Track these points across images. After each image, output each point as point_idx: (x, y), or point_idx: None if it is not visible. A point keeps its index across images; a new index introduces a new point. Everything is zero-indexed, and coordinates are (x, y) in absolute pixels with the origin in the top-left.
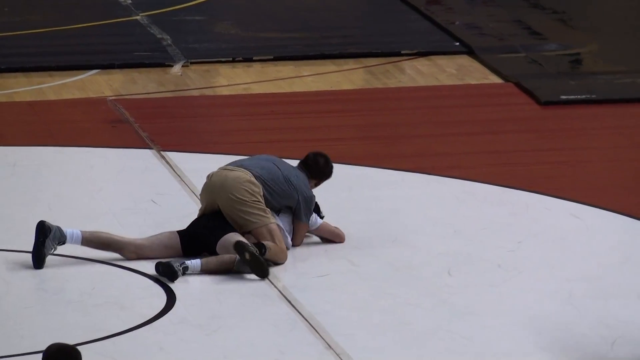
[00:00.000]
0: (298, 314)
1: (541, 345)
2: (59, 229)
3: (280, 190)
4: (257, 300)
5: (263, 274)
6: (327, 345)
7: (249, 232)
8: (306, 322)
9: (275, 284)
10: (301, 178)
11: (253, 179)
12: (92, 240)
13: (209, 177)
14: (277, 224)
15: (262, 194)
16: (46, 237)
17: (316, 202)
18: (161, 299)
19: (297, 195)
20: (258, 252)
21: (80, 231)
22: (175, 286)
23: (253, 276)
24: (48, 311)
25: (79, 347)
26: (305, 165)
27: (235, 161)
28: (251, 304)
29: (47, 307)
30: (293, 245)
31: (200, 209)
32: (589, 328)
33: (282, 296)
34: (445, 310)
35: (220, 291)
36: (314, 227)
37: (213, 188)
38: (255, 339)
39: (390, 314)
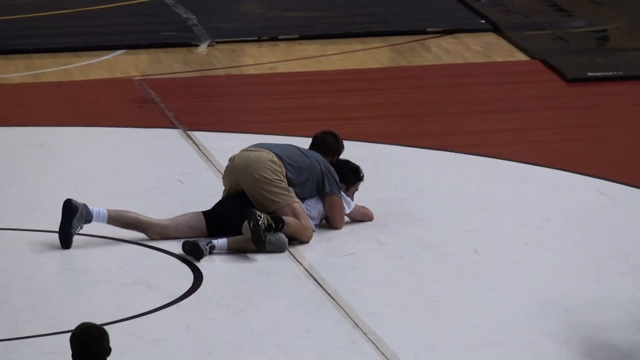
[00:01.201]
0: (325, 292)
1: (569, 322)
2: (85, 206)
3: (301, 164)
4: (284, 279)
5: (258, 246)
6: (354, 324)
7: (273, 212)
8: (333, 300)
9: (301, 262)
10: (317, 154)
11: (275, 158)
12: (118, 219)
13: (231, 159)
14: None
15: (284, 173)
16: (73, 217)
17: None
18: (188, 278)
19: (318, 165)
20: (265, 224)
21: (107, 210)
22: (202, 265)
23: (279, 255)
24: (76, 291)
25: (106, 327)
26: (315, 146)
27: (256, 144)
28: (278, 283)
29: (75, 286)
30: (335, 228)
31: (223, 191)
32: (617, 306)
33: (308, 275)
34: (472, 288)
35: (247, 270)
36: (349, 210)
37: (236, 169)
38: (282, 318)
39: (417, 292)
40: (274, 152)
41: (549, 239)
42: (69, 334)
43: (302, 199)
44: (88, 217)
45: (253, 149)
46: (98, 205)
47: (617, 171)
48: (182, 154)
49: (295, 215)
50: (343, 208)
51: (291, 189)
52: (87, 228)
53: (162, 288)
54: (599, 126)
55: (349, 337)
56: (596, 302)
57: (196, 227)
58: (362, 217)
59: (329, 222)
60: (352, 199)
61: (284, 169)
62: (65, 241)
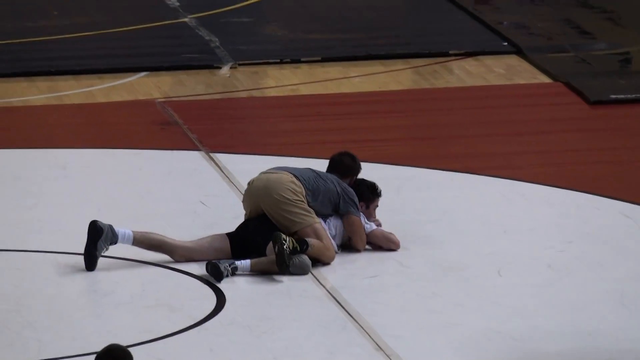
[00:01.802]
0: (347, 314)
1: (593, 346)
2: (110, 228)
3: (317, 187)
4: (306, 301)
5: (282, 270)
6: (376, 346)
7: (296, 233)
8: (355, 322)
9: (324, 284)
10: (334, 176)
11: (295, 179)
12: (143, 241)
13: (250, 183)
14: (322, 224)
15: (304, 194)
16: (98, 239)
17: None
18: (211, 300)
19: (334, 187)
20: (290, 248)
21: (132, 231)
22: (225, 287)
23: (302, 278)
24: (99, 313)
25: (129, 349)
26: (332, 168)
27: (275, 167)
28: (300, 305)
29: (98, 309)
30: (356, 249)
31: (245, 215)
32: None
33: (331, 297)
34: (494, 311)
35: (270, 292)
36: (367, 231)
37: (256, 191)
38: (304, 340)
39: (439, 314)
40: (293, 174)
41: (572, 262)
42: (92, 356)
43: (323, 217)
44: (113, 239)
45: (272, 171)
46: (122, 227)
47: None
48: (204, 175)
49: (317, 235)
50: (362, 227)
51: (312, 210)
52: (110, 249)
53: (184, 310)
54: (622, 148)
55: None
56: (621, 326)
57: (221, 248)
58: (387, 243)
59: (351, 243)
60: (375, 216)
61: (303, 190)
62: (90, 263)
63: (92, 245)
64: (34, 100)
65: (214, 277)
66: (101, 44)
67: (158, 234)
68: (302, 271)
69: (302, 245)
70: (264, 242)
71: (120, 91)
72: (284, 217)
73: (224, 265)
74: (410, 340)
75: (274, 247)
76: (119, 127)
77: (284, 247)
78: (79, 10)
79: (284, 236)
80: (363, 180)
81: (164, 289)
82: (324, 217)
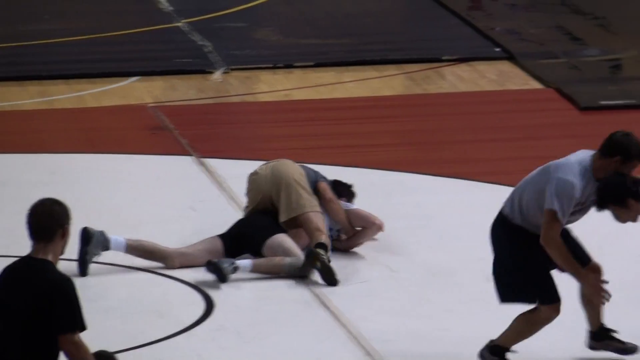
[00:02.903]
0: (337, 320)
1: (583, 352)
2: (102, 233)
3: (309, 173)
4: (296, 307)
5: (333, 282)
6: (365, 352)
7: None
8: (345, 328)
9: (313, 290)
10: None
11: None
12: (136, 248)
13: (255, 172)
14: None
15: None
16: (87, 244)
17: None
18: (199, 306)
19: (313, 171)
20: (329, 260)
21: (125, 239)
22: (214, 293)
23: (291, 282)
24: (87, 319)
25: (117, 355)
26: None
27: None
28: (289, 311)
29: (86, 314)
30: (338, 220)
31: (245, 209)
32: (633, 335)
33: (320, 303)
34: (484, 317)
35: (259, 298)
36: (348, 208)
37: (266, 177)
38: (293, 346)
39: (428, 320)
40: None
41: None
42: None
43: None
44: (105, 244)
45: (275, 160)
46: (112, 233)
47: None
48: (195, 181)
49: (317, 221)
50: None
51: (315, 197)
52: (102, 254)
53: (173, 316)
54: None
55: None
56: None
57: (214, 251)
58: (365, 222)
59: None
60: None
61: (306, 176)
62: (81, 269)
63: (83, 252)
64: (24, 105)
65: (217, 276)
66: (93, 48)
67: (151, 242)
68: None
69: (326, 250)
70: (262, 239)
71: (112, 96)
72: (292, 199)
73: (225, 265)
74: (399, 345)
75: (315, 265)
76: (110, 132)
77: (326, 260)
78: (70, 15)
79: (319, 251)
80: (339, 181)
81: (153, 294)
82: None
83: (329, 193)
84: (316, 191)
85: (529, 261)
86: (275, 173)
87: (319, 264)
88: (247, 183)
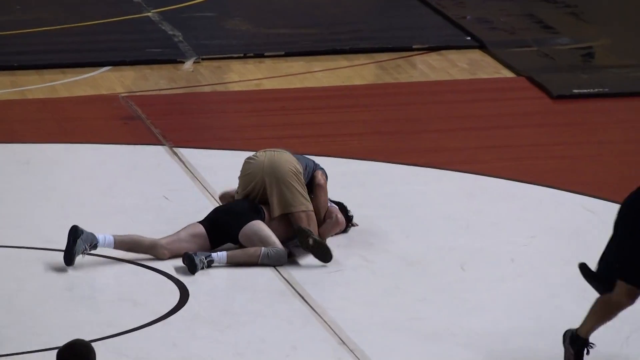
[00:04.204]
0: (311, 309)
1: (555, 340)
2: (91, 233)
3: (306, 162)
4: (270, 296)
5: (328, 259)
6: (340, 341)
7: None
8: (319, 317)
9: (287, 279)
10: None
11: (295, 159)
12: (124, 242)
13: (252, 158)
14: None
15: (302, 173)
16: (77, 237)
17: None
18: (174, 295)
19: (311, 161)
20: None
21: (113, 236)
22: (189, 282)
23: (266, 272)
24: (61, 308)
25: (92, 344)
26: None
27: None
28: (264, 300)
29: (60, 303)
30: (318, 206)
31: (236, 193)
32: None
33: (294, 292)
34: (457, 306)
35: (233, 287)
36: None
37: (269, 167)
38: (267, 335)
39: (402, 309)
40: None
41: (535, 256)
42: (55, 351)
43: None
44: (94, 241)
45: (274, 149)
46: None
47: (602, 188)
48: (167, 170)
49: (309, 220)
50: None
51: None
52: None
53: (147, 305)
54: (584, 143)
55: (335, 355)
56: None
57: (199, 234)
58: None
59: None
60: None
61: (302, 169)
62: (68, 259)
63: (72, 243)
64: None
65: (188, 268)
66: (64, 38)
67: (137, 235)
68: (277, 262)
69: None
70: (238, 227)
71: (83, 86)
72: (286, 197)
73: (199, 258)
74: (373, 334)
75: (307, 242)
76: (82, 122)
77: (317, 237)
78: (41, 5)
79: (306, 229)
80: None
81: (127, 283)
82: None
83: (320, 179)
84: (312, 179)
85: None
86: (273, 165)
87: (310, 241)
88: (242, 167)
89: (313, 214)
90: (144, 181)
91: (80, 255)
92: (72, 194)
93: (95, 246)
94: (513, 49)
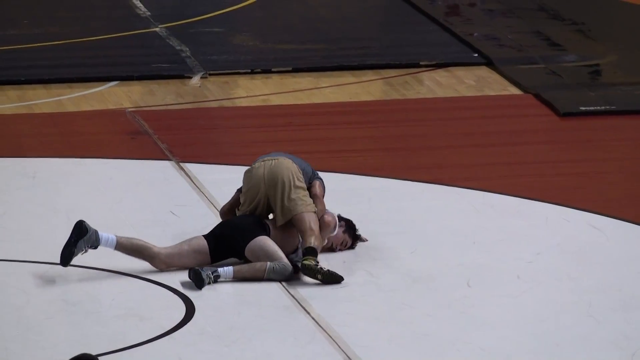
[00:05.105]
0: (317, 325)
1: (561, 356)
2: (95, 232)
3: (304, 167)
4: (276, 312)
5: (339, 282)
6: (346, 357)
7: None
8: (325, 333)
9: (294, 294)
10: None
11: (294, 164)
12: (126, 246)
13: (250, 170)
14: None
15: (302, 178)
16: (80, 238)
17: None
18: (180, 310)
19: (308, 166)
20: (326, 268)
21: (115, 236)
22: (195, 297)
23: (272, 287)
24: (68, 322)
25: (98, 358)
26: None
27: (267, 155)
28: (270, 315)
29: (67, 318)
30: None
31: (242, 207)
32: (608, 340)
33: (300, 307)
34: (463, 322)
35: (239, 302)
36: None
37: (268, 179)
38: (273, 350)
39: (408, 325)
40: (289, 159)
41: (541, 272)
42: None
43: None
44: (95, 243)
45: (272, 157)
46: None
47: (609, 205)
48: (174, 185)
49: (311, 222)
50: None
51: (311, 199)
52: (82, 258)
53: (154, 320)
54: (591, 160)
55: None
56: (587, 336)
57: (200, 251)
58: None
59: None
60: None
61: (302, 174)
62: (65, 258)
63: (72, 242)
64: (3, 109)
65: (195, 283)
66: (71, 53)
67: (141, 240)
68: (281, 277)
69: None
70: (244, 242)
71: (91, 100)
72: (285, 204)
73: (206, 273)
74: (379, 350)
75: (315, 278)
76: (89, 137)
77: (324, 271)
78: (49, 20)
79: (309, 264)
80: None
81: (134, 298)
82: None
83: (317, 190)
84: (310, 188)
85: None
86: (273, 177)
87: (319, 277)
88: (243, 179)
89: (314, 214)
90: (151, 196)
91: (80, 254)
92: (78, 208)
93: (95, 247)
94: (520, 66)
